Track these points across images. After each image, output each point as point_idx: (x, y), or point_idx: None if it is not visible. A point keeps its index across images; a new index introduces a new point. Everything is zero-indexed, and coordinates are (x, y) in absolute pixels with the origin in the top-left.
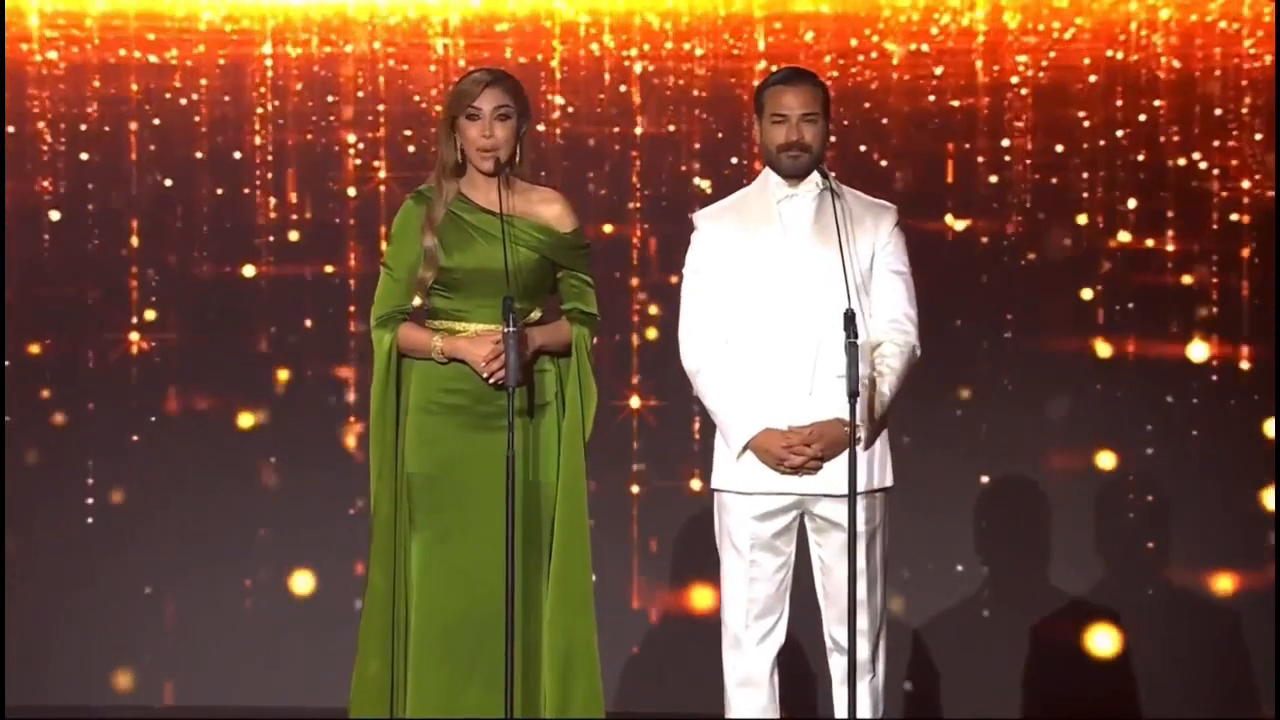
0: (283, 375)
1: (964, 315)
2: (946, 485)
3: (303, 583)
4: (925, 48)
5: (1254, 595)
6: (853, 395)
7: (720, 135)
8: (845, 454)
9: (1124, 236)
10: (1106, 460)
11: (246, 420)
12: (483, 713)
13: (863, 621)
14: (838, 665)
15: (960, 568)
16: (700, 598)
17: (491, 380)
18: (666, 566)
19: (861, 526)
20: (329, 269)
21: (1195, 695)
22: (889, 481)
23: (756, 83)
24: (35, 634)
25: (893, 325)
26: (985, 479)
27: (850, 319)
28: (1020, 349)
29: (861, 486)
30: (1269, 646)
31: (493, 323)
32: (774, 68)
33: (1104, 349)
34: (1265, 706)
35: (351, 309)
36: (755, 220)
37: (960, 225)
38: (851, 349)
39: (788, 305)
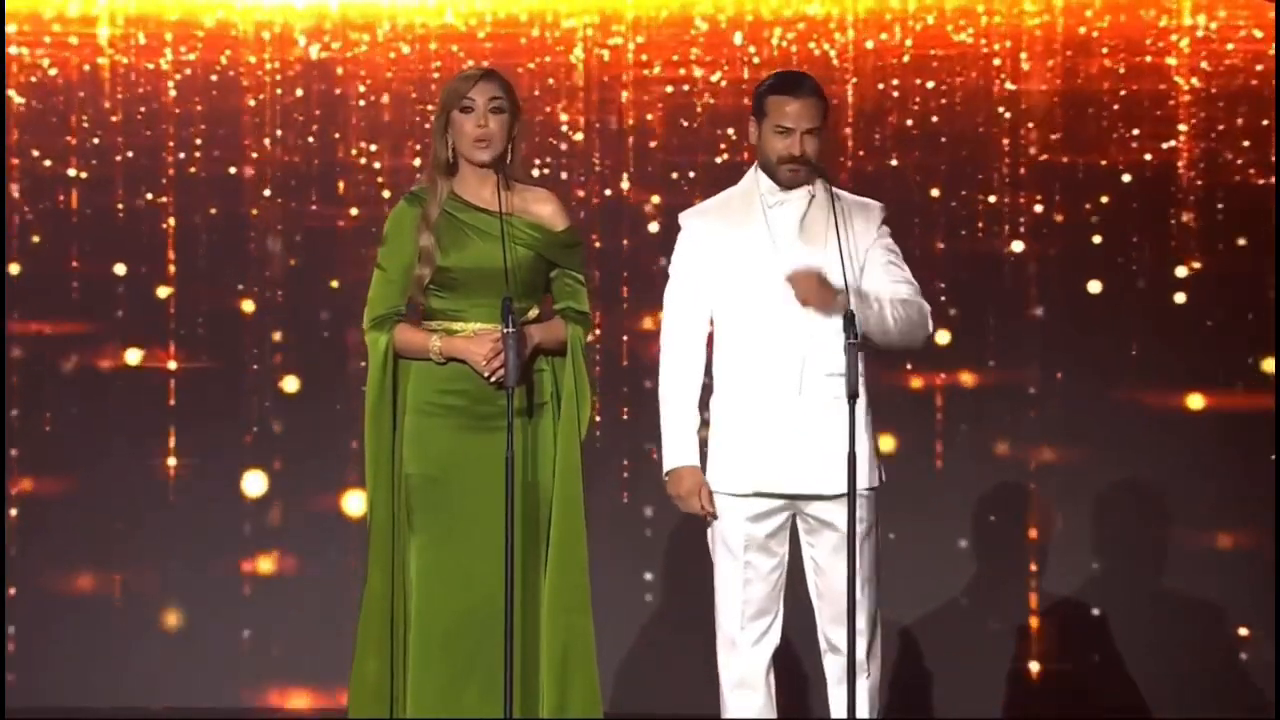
0: (282, 384)
1: (969, 314)
2: (941, 486)
3: (302, 579)
4: (943, 53)
5: (1252, 594)
6: (851, 396)
7: (731, 140)
8: (834, 453)
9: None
10: (1101, 460)
11: (244, 416)
12: (481, 713)
13: (859, 622)
14: (833, 666)
15: (954, 568)
16: (697, 599)
17: (493, 379)
18: (664, 567)
19: (857, 526)
20: (332, 283)
21: (1192, 695)
22: (876, 481)
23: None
24: (35, 634)
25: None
26: (977, 478)
27: (850, 320)
28: (1019, 350)
29: (861, 486)
30: (1268, 646)
31: (490, 321)
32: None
33: (1102, 348)
34: (1264, 707)
35: (353, 316)
36: (743, 221)
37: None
38: (850, 350)
39: (777, 305)
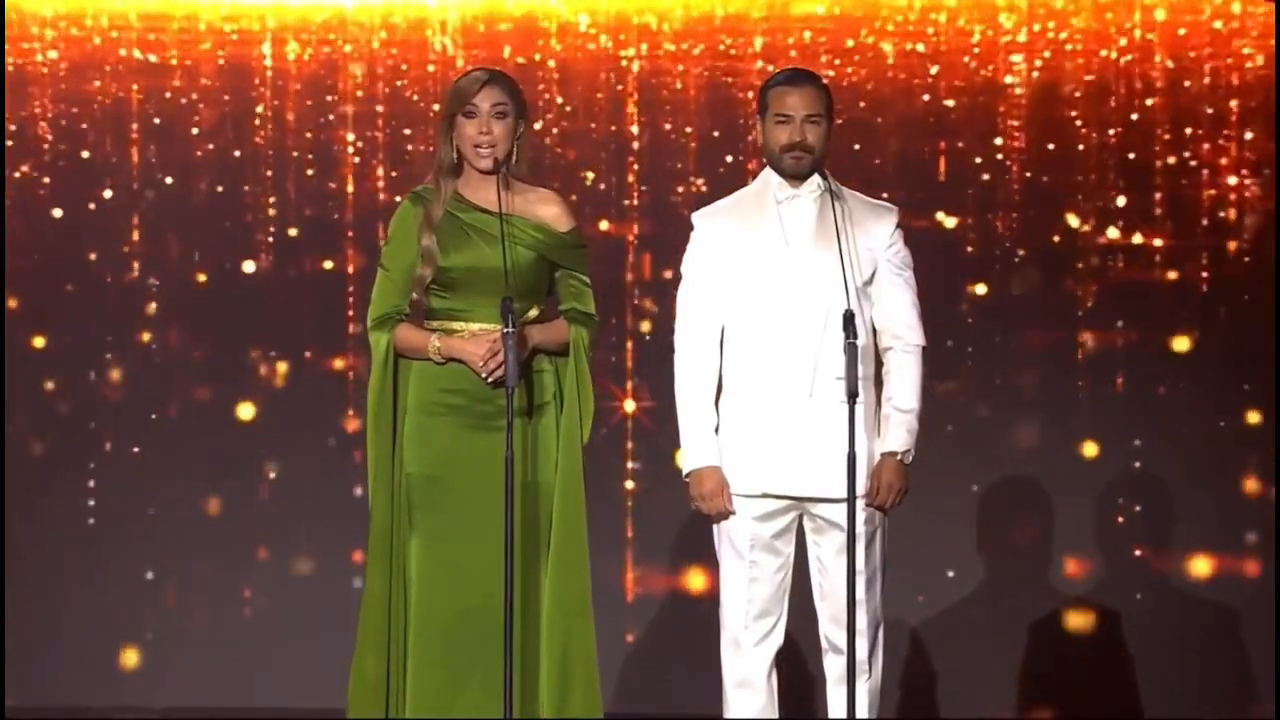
0: (281, 368)
1: (954, 313)
2: (941, 485)
3: (301, 579)
4: (921, 47)
5: (1252, 594)
6: (852, 396)
7: (716, 135)
8: (843, 457)
9: (1113, 233)
10: (1101, 459)
11: (246, 413)
12: (481, 713)
13: (860, 621)
14: (833, 665)
15: (955, 568)
16: (698, 598)
17: (489, 379)
18: (665, 567)
19: (861, 527)
20: (327, 265)
21: (1193, 695)
22: None
23: (757, 82)
24: (35, 633)
25: (898, 339)
26: (980, 478)
27: (849, 320)
28: (1012, 346)
29: (860, 490)
30: (1268, 646)
31: (490, 322)
32: (770, 68)
33: (1093, 344)
34: (1264, 706)
35: (350, 304)
36: (755, 221)
37: (951, 222)
38: (850, 350)
39: (789, 306)
